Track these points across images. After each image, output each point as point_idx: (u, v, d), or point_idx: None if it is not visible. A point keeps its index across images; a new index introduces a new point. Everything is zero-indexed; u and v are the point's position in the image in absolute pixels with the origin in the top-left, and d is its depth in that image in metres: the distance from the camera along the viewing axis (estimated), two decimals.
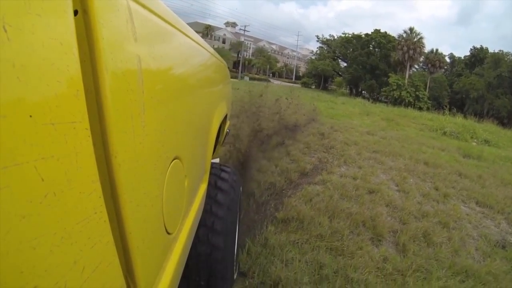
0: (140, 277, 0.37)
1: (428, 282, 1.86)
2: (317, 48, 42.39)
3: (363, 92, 35.60)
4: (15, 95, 0.21)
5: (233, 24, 57.26)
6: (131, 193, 0.36)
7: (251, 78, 37.06)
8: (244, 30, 50.08)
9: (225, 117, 1.44)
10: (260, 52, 54.77)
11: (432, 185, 3.82)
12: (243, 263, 1.67)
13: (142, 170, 0.40)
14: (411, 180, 3.90)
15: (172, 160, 0.52)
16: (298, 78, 52.75)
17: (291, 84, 37.66)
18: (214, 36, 53.81)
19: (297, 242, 2.00)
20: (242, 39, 51.72)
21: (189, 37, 0.73)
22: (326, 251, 1.96)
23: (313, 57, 43.03)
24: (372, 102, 19.38)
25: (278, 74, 57.09)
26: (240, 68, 46.46)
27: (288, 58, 63.80)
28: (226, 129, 1.65)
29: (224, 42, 54.88)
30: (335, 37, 39.61)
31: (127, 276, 0.36)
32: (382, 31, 34.99)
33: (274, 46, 62.21)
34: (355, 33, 36.82)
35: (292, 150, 4.23)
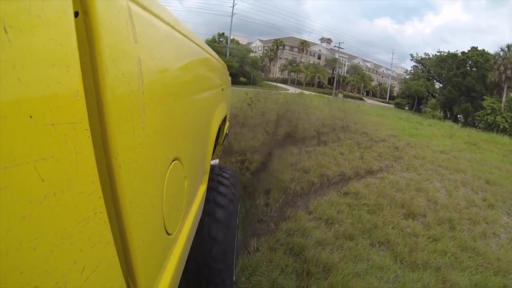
0: (140, 277, 0.37)
1: (434, 244, 2.42)
2: (412, 67, 40.12)
3: (458, 116, 31.58)
4: (15, 96, 0.21)
5: (328, 40, 56.78)
6: (131, 193, 0.36)
7: (345, 96, 36.36)
8: (339, 48, 49.39)
9: (225, 118, 1.44)
10: (355, 69, 53.96)
11: (482, 196, 3.92)
12: (314, 210, 2.67)
13: (142, 171, 0.40)
14: (463, 189, 4.13)
15: (172, 161, 0.52)
16: (392, 98, 50.17)
17: (384, 104, 36.86)
18: (310, 52, 53.85)
19: (349, 204, 2.96)
20: (336, 55, 51.06)
21: (189, 38, 0.73)
22: (367, 212, 2.85)
23: (407, 77, 40.90)
24: (461, 126, 17.88)
25: (372, 93, 56.11)
26: (334, 85, 45.68)
27: (382, 76, 62.15)
28: (225, 130, 1.65)
29: (319, 58, 54.68)
30: (430, 56, 37.36)
31: (127, 276, 0.36)
32: (482, 47, 32.41)
33: (368, 64, 61.02)
34: (452, 51, 33.96)
35: (366, 155, 5.07)
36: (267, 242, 2.04)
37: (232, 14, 42.71)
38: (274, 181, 3.05)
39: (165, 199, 0.48)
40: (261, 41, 58.89)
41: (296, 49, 54.32)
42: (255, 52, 55.55)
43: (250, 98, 5.37)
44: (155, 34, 0.49)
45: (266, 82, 42.41)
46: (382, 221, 2.66)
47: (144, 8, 0.44)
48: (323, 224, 2.47)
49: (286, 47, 54.59)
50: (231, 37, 43.48)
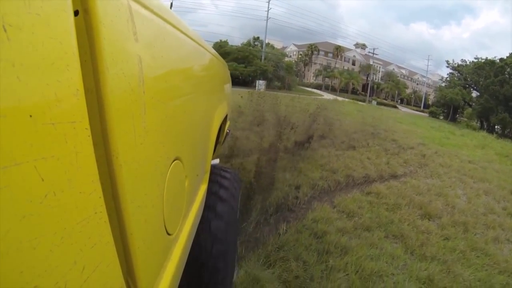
0: (140, 277, 0.37)
1: (445, 242, 2.55)
2: (448, 74, 37.43)
3: (495, 126, 28.68)
4: (15, 95, 0.21)
5: (363, 46, 55.74)
6: (132, 193, 0.36)
7: (378, 103, 35.78)
8: (373, 53, 48.34)
9: (225, 117, 1.44)
10: (389, 76, 52.81)
11: (503, 206, 3.91)
12: (338, 204, 2.98)
13: (143, 171, 0.40)
14: (484, 197, 4.15)
15: (173, 161, 0.52)
16: (427, 106, 47.72)
17: (418, 113, 35.77)
18: (344, 57, 53.10)
19: (370, 201, 3.20)
20: (371, 61, 50.21)
21: (189, 37, 0.73)
22: (386, 209, 3.07)
23: (443, 85, 38.47)
24: (497, 137, 16.27)
25: (406, 101, 54.36)
26: (368, 91, 44.80)
27: (417, 84, 60.36)
28: (226, 129, 1.65)
29: (354, 64, 53.88)
30: (467, 62, 34.33)
31: (127, 276, 0.36)
32: None
33: (403, 71, 59.35)
34: (491, 57, 30.83)
35: (392, 161, 5.21)
36: (295, 226, 2.37)
37: (267, 19, 42.42)
38: (305, 178, 3.45)
39: (165, 199, 0.48)
40: (295, 45, 58.12)
41: (330, 55, 53.60)
42: (290, 56, 54.71)
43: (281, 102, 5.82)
44: (155, 32, 0.49)
45: (300, 87, 41.99)
46: (399, 218, 2.87)
47: (144, 6, 0.44)
48: (344, 216, 2.78)
49: (320, 52, 53.91)
50: (266, 41, 42.89)
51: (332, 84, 50.23)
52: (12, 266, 0.21)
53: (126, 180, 0.34)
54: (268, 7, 42.38)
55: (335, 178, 3.68)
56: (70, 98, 0.26)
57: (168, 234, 0.50)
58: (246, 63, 34.83)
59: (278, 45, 55.06)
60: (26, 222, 0.21)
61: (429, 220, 2.99)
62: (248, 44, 41.62)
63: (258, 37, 43.52)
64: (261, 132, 4.44)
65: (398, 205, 3.20)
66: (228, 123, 1.71)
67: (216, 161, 1.48)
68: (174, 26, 0.59)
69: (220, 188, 1.10)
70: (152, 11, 0.47)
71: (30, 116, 0.22)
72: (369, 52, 50.99)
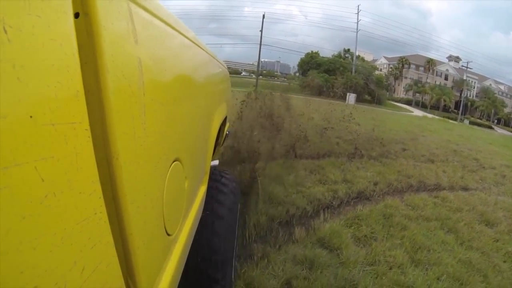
0: (140, 278, 0.37)
1: (495, 242, 2.70)
2: None
3: None
4: (15, 96, 0.21)
5: (457, 59, 51.05)
6: (132, 194, 0.36)
7: (471, 122, 33.52)
8: (467, 67, 44.47)
9: (225, 118, 1.44)
10: (485, 92, 46.96)
11: None
12: (406, 200, 3.43)
13: (142, 172, 0.40)
14: None
15: (173, 162, 0.52)
16: None
17: None
18: (436, 72, 49.19)
19: (435, 202, 3.48)
20: (465, 76, 45.64)
21: (189, 39, 0.73)
22: (447, 210, 3.32)
23: None
24: None
25: (504, 121, 46.57)
26: (460, 109, 40.74)
27: None
28: (225, 130, 1.65)
29: (446, 78, 49.50)
30: None
31: (127, 277, 0.36)
32: None
33: (502, 87, 51.64)
34: None
35: (467, 176, 5.19)
36: (369, 208, 3.01)
37: (357, 30, 41.44)
38: (382, 178, 3.99)
39: (165, 199, 0.48)
40: (386, 58, 54.87)
41: (422, 68, 49.50)
42: (380, 69, 52.07)
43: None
44: (155, 34, 0.49)
45: (390, 102, 40.57)
46: (457, 218, 3.10)
47: (144, 8, 0.44)
48: (410, 208, 3.19)
49: (411, 65, 49.89)
50: (357, 53, 41.92)
51: (423, 100, 45.97)
52: (13, 266, 0.21)
53: (126, 181, 0.34)
54: (358, 19, 41.29)
55: (408, 182, 4.07)
56: (70, 99, 0.26)
57: (168, 234, 0.50)
58: (337, 75, 34.50)
59: (368, 57, 53.20)
60: (26, 222, 0.22)
61: (486, 225, 3.07)
62: (339, 56, 40.90)
63: (348, 49, 42.64)
64: (353, 140, 5.47)
65: (460, 209, 3.38)
66: (227, 125, 1.71)
67: (216, 162, 1.48)
68: (173, 28, 0.60)
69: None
70: (152, 13, 0.47)
71: (31, 117, 0.22)
72: (462, 66, 47.04)
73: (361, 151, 5.04)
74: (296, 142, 4.34)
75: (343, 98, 27.89)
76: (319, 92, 31.75)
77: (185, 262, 0.63)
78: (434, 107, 43.80)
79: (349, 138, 5.78)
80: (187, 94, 0.67)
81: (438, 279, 2.00)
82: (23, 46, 0.22)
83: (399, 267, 2.06)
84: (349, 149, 5.10)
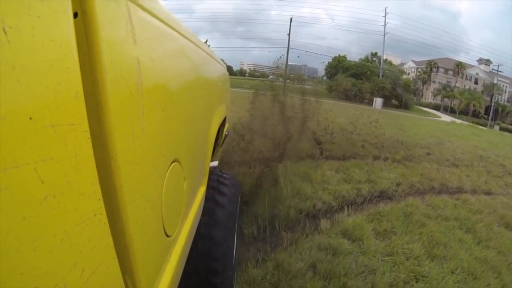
0: (139, 279, 0.37)
1: None
2: None
3: None
4: (15, 97, 0.21)
5: (487, 62, 48.13)
6: (131, 195, 0.36)
7: (502, 128, 32.19)
8: (497, 71, 42.09)
9: (224, 119, 1.44)
10: None
11: None
12: (427, 201, 3.54)
13: (141, 173, 0.40)
14: None
15: (171, 163, 0.52)
16: None
17: None
18: (466, 75, 46.87)
19: (455, 204, 3.54)
20: (495, 80, 43.43)
21: (188, 39, 0.73)
22: (467, 211, 3.36)
23: None
24: None
25: None
26: (490, 115, 38.82)
27: None
28: (225, 131, 1.65)
29: (476, 82, 47.06)
30: None
31: (126, 278, 0.36)
32: None
33: None
34: None
35: (491, 181, 5.18)
36: (390, 206, 3.15)
37: (384, 33, 40.36)
38: (405, 180, 4.11)
39: (164, 200, 0.48)
40: (414, 62, 51.86)
41: (451, 72, 47.46)
42: (408, 73, 49.70)
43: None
44: (154, 34, 0.49)
45: (417, 107, 39.30)
46: (476, 219, 3.15)
47: (143, 8, 0.44)
48: (430, 208, 3.30)
49: (440, 69, 47.61)
50: (384, 57, 40.84)
51: (452, 105, 43.59)
52: (12, 268, 0.21)
53: (124, 182, 0.34)
54: (385, 22, 40.15)
55: (431, 184, 4.17)
56: (69, 101, 0.26)
57: (167, 235, 0.50)
58: (364, 79, 33.95)
59: (396, 61, 51.23)
60: (26, 224, 0.21)
61: (506, 227, 3.10)
62: (366, 60, 40.09)
63: (375, 53, 41.68)
64: (378, 144, 5.80)
65: (480, 211, 3.42)
66: (227, 125, 1.71)
67: (215, 163, 1.48)
68: (172, 29, 0.59)
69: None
70: (150, 13, 0.47)
71: (30, 118, 0.22)
72: (493, 69, 43.61)
73: (385, 154, 5.31)
74: (323, 144, 4.61)
75: (370, 102, 27.69)
76: (346, 96, 31.42)
77: (184, 263, 0.63)
78: (463, 113, 41.79)
79: (374, 141, 6.06)
80: (186, 94, 0.67)
81: (452, 272, 2.10)
82: (23, 47, 0.22)
83: (415, 258, 2.21)
84: (374, 152, 5.32)
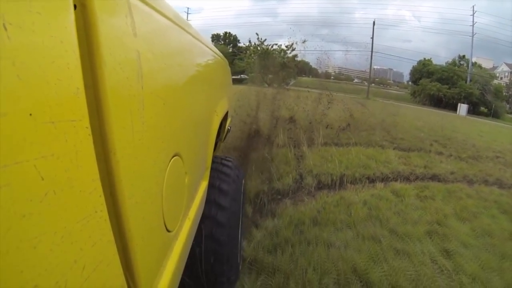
0: (140, 275, 0.37)
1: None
2: None
3: None
4: (15, 94, 0.21)
5: None
6: (131, 190, 0.35)
7: None
8: None
9: (226, 113, 1.44)
10: None
11: None
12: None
13: (141, 167, 0.40)
14: None
15: (172, 157, 0.52)
16: None
17: None
18: None
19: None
20: None
21: (189, 33, 0.72)
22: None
23: None
24: None
25: None
26: None
27: None
28: (227, 126, 1.65)
29: None
30: None
31: (127, 274, 0.36)
32: None
33: None
34: None
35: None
36: (437, 185, 3.58)
37: (473, 34, 37.03)
38: (460, 171, 4.37)
39: (165, 195, 0.47)
40: (507, 65, 46.79)
41: (508, 79, 42.86)
42: (501, 78, 44.69)
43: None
44: (154, 27, 0.48)
45: (509, 115, 35.05)
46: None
47: (143, 1, 0.43)
48: (474, 191, 3.51)
49: None
50: (473, 60, 37.48)
51: None
52: (12, 265, 0.21)
53: (124, 176, 0.34)
54: (473, 21, 36.88)
55: (485, 178, 4.30)
56: (70, 97, 0.26)
57: (168, 231, 0.50)
58: (450, 84, 32.22)
59: (487, 64, 45.94)
60: (26, 221, 0.21)
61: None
62: (453, 63, 37.40)
63: (463, 56, 38.30)
64: (447, 144, 6.06)
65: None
66: (229, 120, 1.70)
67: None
68: (173, 21, 0.59)
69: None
70: (151, 5, 0.46)
71: (30, 114, 0.22)
72: None
73: (451, 152, 5.52)
74: (395, 139, 5.71)
75: (455, 109, 26.81)
76: (430, 102, 30.42)
77: (186, 259, 0.63)
78: None
79: (444, 142, 6.40)
80: (187, 88, 0.66)
81: (472, 229, 2.50)
82: (23, 43, 0.21)
83: (444, 215, 2.67)
84: (440, 149, 5.64)
